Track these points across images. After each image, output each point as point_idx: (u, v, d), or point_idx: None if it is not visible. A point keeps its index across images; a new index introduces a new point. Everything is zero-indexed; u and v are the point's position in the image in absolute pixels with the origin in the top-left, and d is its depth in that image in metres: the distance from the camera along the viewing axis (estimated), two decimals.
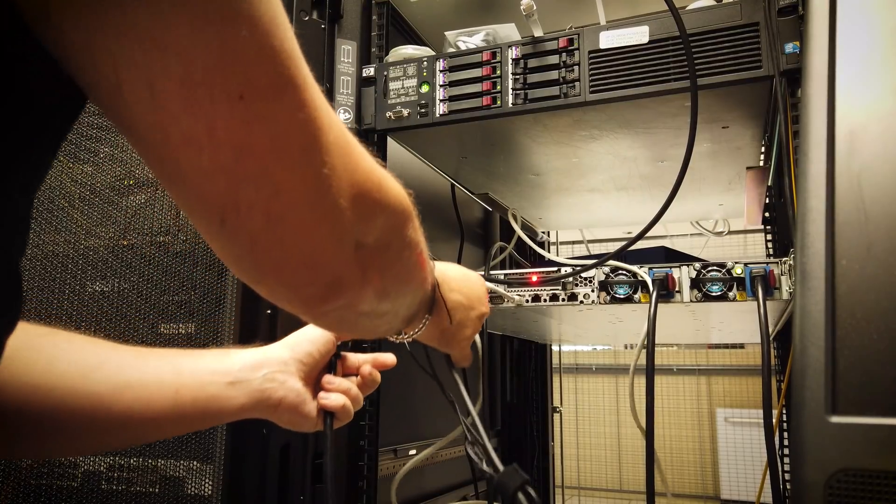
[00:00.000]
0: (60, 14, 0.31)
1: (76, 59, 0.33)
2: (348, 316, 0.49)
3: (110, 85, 0.34)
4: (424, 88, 1.10)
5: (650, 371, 0.95)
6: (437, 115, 1.08)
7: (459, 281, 0.74)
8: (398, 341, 0.78)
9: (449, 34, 1.17)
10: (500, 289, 1.10)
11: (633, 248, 1.03)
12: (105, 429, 0.59)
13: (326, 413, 0.71)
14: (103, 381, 0.58)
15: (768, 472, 0.87)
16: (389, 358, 0.79)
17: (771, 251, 1.47)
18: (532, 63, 1.03)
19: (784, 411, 1.32)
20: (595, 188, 1.43)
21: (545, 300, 1.09)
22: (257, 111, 0.35)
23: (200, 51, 0.33)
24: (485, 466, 0.71)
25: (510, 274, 1.13)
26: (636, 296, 1.03)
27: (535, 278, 1.10)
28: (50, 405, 0.54)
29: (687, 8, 0.95)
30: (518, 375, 1.98)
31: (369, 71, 1.14)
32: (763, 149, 1.17)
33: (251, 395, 0.67)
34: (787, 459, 1.31)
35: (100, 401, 0.57)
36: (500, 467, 0.68)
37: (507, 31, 1.12)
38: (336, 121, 0.40)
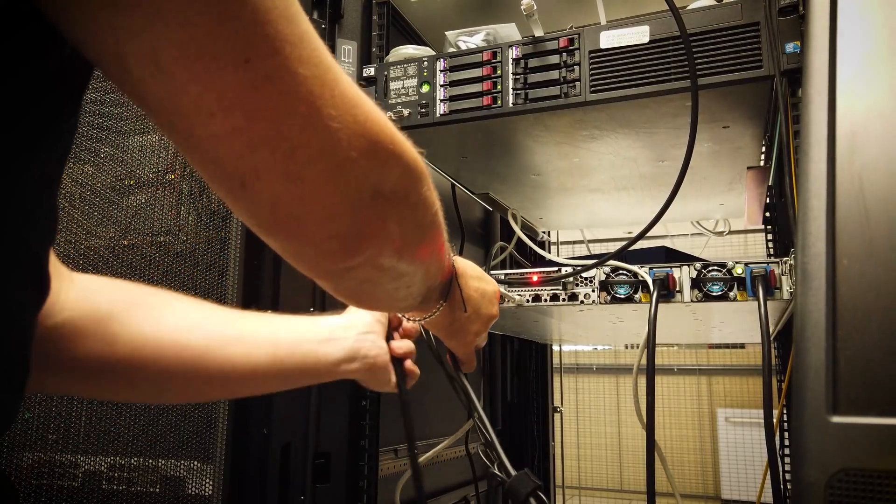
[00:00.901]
0: None
1: (79, 34, 0.33)
2: (371, 275, 0.50)
3: (115, 58, 0.34)
4: (425, 88, 1.10)
5: (651, 371, 0.95)
6: (438, 115, 1.08)
7: (476, 279, 0.76)
8: (412, 323, 0.80)
9: (449, 34, 1.17)
10: (501, 288, 1.10)
11: (633, 248, 1.03)
12: (208, 379, 0.65)
13: (396, 360, 0.79)
14: (207, 336, 0.65)
15: (769, 472, 0.87)
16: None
17: (771, 251, 1.47)
18: (532, 63, 1.03)
19: (785, 411, 1.32)
20: (596, 188, 1.43)
21: (546, 300, 1.09)
22: (263, 72, 0.35)
23: (201, 16, 0.33)
24: (496, 471, 0.72)
25: (511, 274, 1.13)
26: (637, 296, 1.03)
27: (535, 278, 1.10)
28: (160, 355, 0.61)
29: (687, 8, 0.95)
30: (518, 375, 1.98)
31: (370, 71, 1.14)
32: (763, 149, 1.17)
33: (347, 350, 0.73)
34: (787, 459, 1.30)
35: (204, 353, 0.64)
36: (512, 472, 0.68)
37: (508, 31, 1.11)
38: (343, 77, 0.40)
